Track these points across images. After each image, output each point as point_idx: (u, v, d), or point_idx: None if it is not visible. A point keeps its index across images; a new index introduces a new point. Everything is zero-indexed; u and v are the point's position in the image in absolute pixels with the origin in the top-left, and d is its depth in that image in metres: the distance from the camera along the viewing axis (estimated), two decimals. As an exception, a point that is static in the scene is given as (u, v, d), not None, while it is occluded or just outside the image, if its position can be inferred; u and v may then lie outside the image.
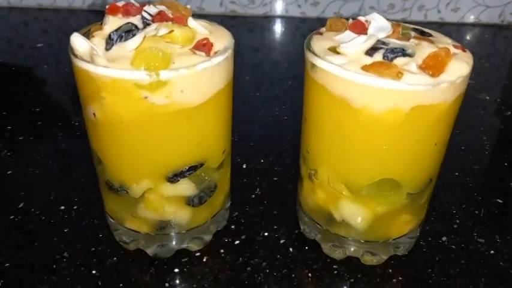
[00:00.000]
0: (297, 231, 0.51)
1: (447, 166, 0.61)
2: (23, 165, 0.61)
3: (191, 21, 0.40)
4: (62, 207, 0.53)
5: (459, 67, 0.38)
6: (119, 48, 0.38)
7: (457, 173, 0.61)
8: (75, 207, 0.53)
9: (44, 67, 0.91)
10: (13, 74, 0.87)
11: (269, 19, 1.14)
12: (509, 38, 1.10)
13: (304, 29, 1.11)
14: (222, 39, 0.41)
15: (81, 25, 1.10)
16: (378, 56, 0.37)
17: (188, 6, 0.43)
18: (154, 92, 0.36)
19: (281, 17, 1.15)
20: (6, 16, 1.15)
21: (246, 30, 1.10)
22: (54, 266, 0.46)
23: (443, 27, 1.12)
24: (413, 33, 0.42)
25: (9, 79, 0.85)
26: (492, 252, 0.49)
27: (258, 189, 0.57)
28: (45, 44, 1.00)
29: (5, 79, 0.85)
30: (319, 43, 0.41)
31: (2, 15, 1.15)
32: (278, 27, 1.13)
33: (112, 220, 0.47)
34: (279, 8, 1.14)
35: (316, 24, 1.11)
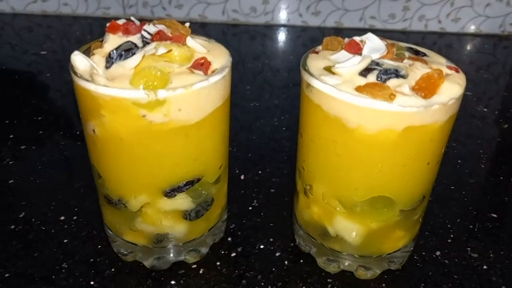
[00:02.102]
0: (292, 244, 0.52)
1: (443, 180, 0.62)
2: (25, 174, 0.61)
3: (189, 40, 0.41)
4: (62, 218, 0.54)
5: (451, 88, 0.38)
6: (118, 67, 0.39)
7: (452, 187, 0.61)
8: (75, 217, 0.54)
9: (47, 75, 0.92)
10: (16, 81, 0.88)
11: (271, 28, 1.15)
12: (510, 48, 1.11)
13: (305, 38, 1.12)
14: (220, 58, 0.42)
15: (85, 32, 1.13)
16: (372, 77, 0.38)
17: (187, 25, 0.43)
18: (152, 111, 0.37)
19: (282, 25, 1.16)
20: (10, 22, 1.16)
21: (248, 38, 1.10)
22: (53, 277, 0.46)
23: (443, 38, 1.12)
24: (407, 54, 0.43)
25: (13, 86, 0.86)
26: (485, 267, 0.49)
27: (255, 201, 0.58)
28: (48, 50, 1.02)
29: (9, 86, 0.86)
30: (315, 62, 0.42)
31: (6, 21, 1.16)
32: (279, 36, 1.14)
33: (110, 232, 0.48)
34: (280, 17, 1.15)
35: (317, 33, 1.12)
